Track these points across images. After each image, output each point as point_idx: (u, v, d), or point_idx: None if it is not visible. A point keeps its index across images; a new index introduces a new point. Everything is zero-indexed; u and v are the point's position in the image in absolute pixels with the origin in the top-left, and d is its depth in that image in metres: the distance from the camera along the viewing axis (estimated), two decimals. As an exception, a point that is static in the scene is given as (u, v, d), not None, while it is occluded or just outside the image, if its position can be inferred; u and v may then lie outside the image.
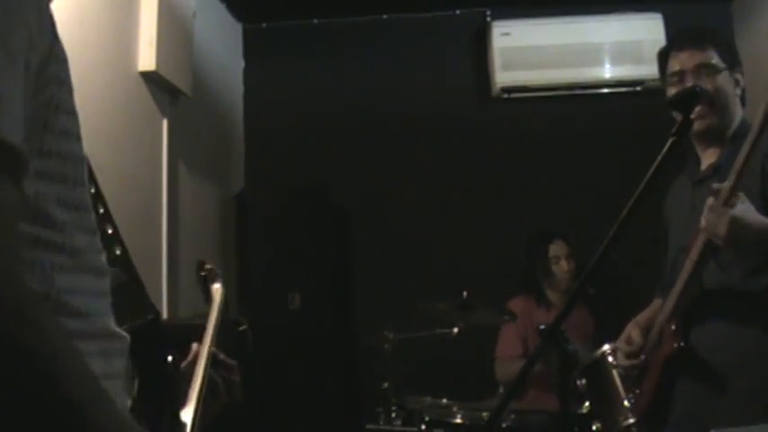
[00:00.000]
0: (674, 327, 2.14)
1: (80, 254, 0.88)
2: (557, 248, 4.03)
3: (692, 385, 2.13)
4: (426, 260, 4.51)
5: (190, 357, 1.49)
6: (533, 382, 3.56)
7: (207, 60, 4.20)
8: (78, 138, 0.89)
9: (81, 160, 0.90)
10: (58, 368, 0.71)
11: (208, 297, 1.81)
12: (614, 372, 2.88)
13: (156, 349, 1.15)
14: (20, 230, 0.79)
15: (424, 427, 3.16)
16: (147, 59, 3.37)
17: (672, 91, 2.20)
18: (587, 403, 3.03)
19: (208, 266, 1.90)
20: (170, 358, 1.22)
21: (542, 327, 1.54)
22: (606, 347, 2.94)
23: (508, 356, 3.92)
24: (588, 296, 3.68)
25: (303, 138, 4.72)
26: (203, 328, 1.59)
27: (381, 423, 3.36)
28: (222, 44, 4.60)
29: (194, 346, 1.52)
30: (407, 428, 3.29)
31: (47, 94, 0.82)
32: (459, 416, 3.21)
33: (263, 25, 4.88)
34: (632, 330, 2.33)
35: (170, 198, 3.62)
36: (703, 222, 1.96)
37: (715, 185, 1.95)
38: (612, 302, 4.18)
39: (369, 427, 3.38)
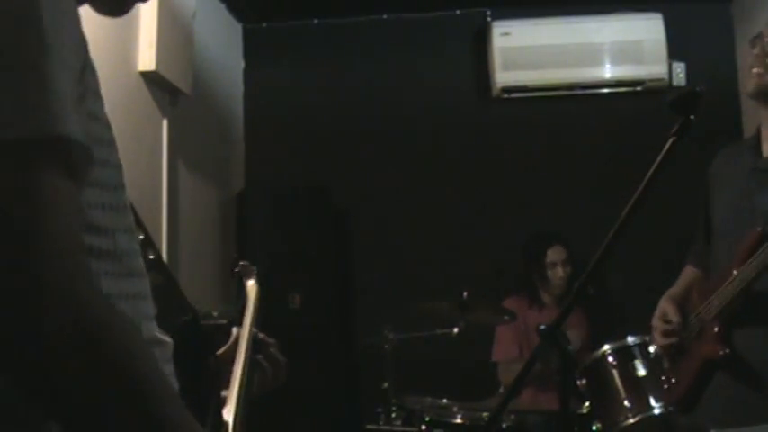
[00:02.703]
0: (717, 329, 2.13)
1: (124, 257, 0.90)
2: (554, 254, 4.01)
3: (731, 383, 2.12)
4: (426, 260, 4.51)
5: (230, 341, 1.49)
6: (533, 382, 3.55)
7: (207, 60, 4.20)
8: (113, 145, 0.92)
9: (119, 166, 0.93)
10: (138, 372, 0.74)
11: (242, 294, 1.78)
12: (614, 372, 2.88)
13: (197, 349, 1.15)
14: (82, 232, 0.81)
15: (424, 427, 3.16)
16: (147, 59, 3.37)
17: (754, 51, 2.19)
18: (587, 403, 3.03)
19: (242, 263, 1.86)
20: (211, 358, 1.21)
21: (542, 327, 1.54)
22: (606, 347, 2.94)
23: (510, 359, 3.92)
24: (584, 296, 3.66)
25: (303, 138, 4.72)
26: (218, 328, 1.58)
27: (381, 423, 3.36)
28: (222, 44, 4.60)
29: (234, 329, 1.52)
30: (407, 428, 3.29)
31: (86, 104, 0.84)
32: (459, 416, 3.21)
33: (263, 25, 4.88)
34: (667, 306, 2.30)
35: (170, 198, 3.62)
36: None
37: None
38: (608, 303, 4.19)
39: (369, 427, 3.38)
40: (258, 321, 1.64)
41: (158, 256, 1.14)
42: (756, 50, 2.17)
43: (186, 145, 3.86)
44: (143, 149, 3.45)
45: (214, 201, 4.39)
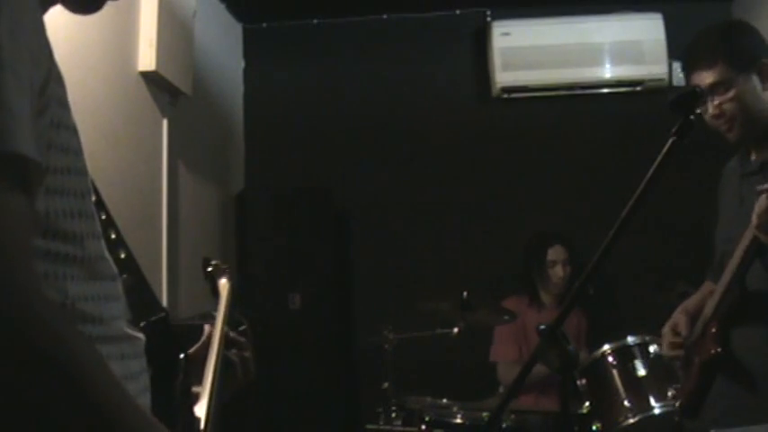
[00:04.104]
0: (714, 329, 2.12)
1: (92, 261, 0.92)
2: (555, 253, 4.01)
3: (731, 385, 2.12)
4: (426, 260, 4.51)
5: (203, 339, 1.51)
6: (534, 387, 3.55)
7: (207, 60, 4.20)
8: (80, 152, 0.93)
9: (84, 173, 0.93)
10: (81, 373, 0.74)
11: (215, 293, 1.81)
12: (614, 372, 2.89)
13: (167, 347, 1.17)
14: (33, 242, 0.82)
15: (424, 427, 3.16)
16: (147, 59, 3.37)
17: (702, 112, 2.17)
18: (587, 403, 3.03)
19: (213, 262, 1.90)
20: (182, 356, 1.23)
21: (542, 327, 1.53)
22: (606, 347, 2.94)
23: (509, 359, 3.91)
24: (584, 296, 3.67)
25: (303, 138, 4.72)
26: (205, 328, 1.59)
27: (381, 423, 3.36)
28: (222, 44, 4.60)
29: (206, 327, 1.54)
30: (407, 428, 3.29)
31: (49, 114, 0.85)
32: (459, 416, 3.21)
33: (263, 25, 4.88)
34: (680, 319, 2.30)
35: (170, 198, 3.62)
36: (755, 220, 1.94)
37: (764, 186, 1.93)
38: (607, 303, 4.20)
39: (369, 427, 3.38)
40: (231, 318, 1.66)
41: (129, 255, 1.15)
42: (712, 110, 2.14)
43: (186, 145, 3.86)
44: (143, 149, 3.45)
45: (214, 201, 4.39)
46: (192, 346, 1.51)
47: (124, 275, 1.05)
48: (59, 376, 0.71)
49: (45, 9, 0.94)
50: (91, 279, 0.91)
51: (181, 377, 1.21)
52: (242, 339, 1.56)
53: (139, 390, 0.99)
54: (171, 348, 1.19)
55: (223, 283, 1.85)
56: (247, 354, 1.55)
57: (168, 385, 1.14)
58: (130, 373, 0.97)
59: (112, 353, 0.93)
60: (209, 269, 1.90)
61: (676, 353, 2.28)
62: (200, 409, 1.35)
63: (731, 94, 2.13)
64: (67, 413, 0.72)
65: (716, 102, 2.14)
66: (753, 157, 2.24)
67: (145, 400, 1.00)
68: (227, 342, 1.52)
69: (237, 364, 1.51)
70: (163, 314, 1.17)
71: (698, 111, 2.14)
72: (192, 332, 1.56)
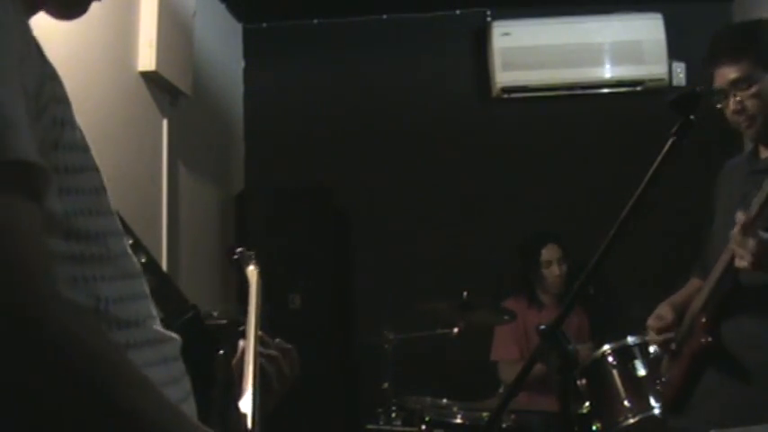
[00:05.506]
0: (704, 320, 2.13)
1: (118, 259, 0.90)
2: (549, 252, 4.00)
3: (724, 382, 2.12)
4: (426, 260, 4.51)
5: (239, 354, 1.47)
6: (533, 382, 3.55)
7: (207, 60, 4.20)
8: (87, 149, 0.92)
9: (95, 169, 0.92)
10: (109, 379, 0.72)
11: (244, 281, 1.75)
12: (614, 372, 2.89)
13: (203, 344, 1.14)
14: (49, 246, 0.80)
15: (424, 427, 3.16)
16: (147, 59, 3.37)
17: (724, 108, 2.20)
18: (587, 403, 3.03)
19: (239, 249, 1.84)
20: (221, 351, 1.20)
21: (542, 327, 1.54)
22: (606, 347, 2.94)
23: (509, 359, 3.91)
24: (584, 296, 3.67)
25: (303, 138, 4.72)
26: (219, 328, 1.56)
27: (381, 423, 3.36)
28: (222, 44, 4.60)
29: (241, 342, 1.50)
30: (407, 428, 3.29)
31: (49, 114, 0.83)
32: (459, 416, 3.21)
33: (263, 25, 4.88)
34: (663, 309, 2.32)
35: (170, 198, 3.62)
36: (750, 258, 1.93)
37: (738, 215, 1.94)
38: (608, 303, 4.19)
39: (369, 427, 3.38)
40: (263, 305, 1.60)
41: (150, 258, 1.13)
42: (734, 106, 2.15)
43: (186, 145, 3.86)
44: (143, 149, 3.45)
45: (214, 201, 4.39)
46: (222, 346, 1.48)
47: (147, 278, 1.04)
48: (87, 385, 0.70)
49: (28, 16, 0.93)
50: (119, 278, 0.89)
51: (220, 375, 1.18)
52: (272, 350, 1.50)
53: (185, 394, 0.96)
54: (206, 346, 1.16)
55: (251, 269, 1.78)
56: (289, 354, 1.50)
57: (206, 385, 1.11)
58: (174, 378, 0.94)
59: (155, 357, 0.91)
60: (236, 257, 1.83)
61: (663, 336, 2.28)
62: (245, 405, 1.30)
63: (753, 90, 2.14)
64: (98, 422, 0.71)
65: (737, 98, 2.15)
66: (763, 155, 2.24)
67: (190, 405, 0.97)
68: (262, 344, 1.45)
69: (273, 374, 1.45)
70: (193, 313, 1.14)
71: (719, 106, 2.19)
72: (222, 333, 1.51)
